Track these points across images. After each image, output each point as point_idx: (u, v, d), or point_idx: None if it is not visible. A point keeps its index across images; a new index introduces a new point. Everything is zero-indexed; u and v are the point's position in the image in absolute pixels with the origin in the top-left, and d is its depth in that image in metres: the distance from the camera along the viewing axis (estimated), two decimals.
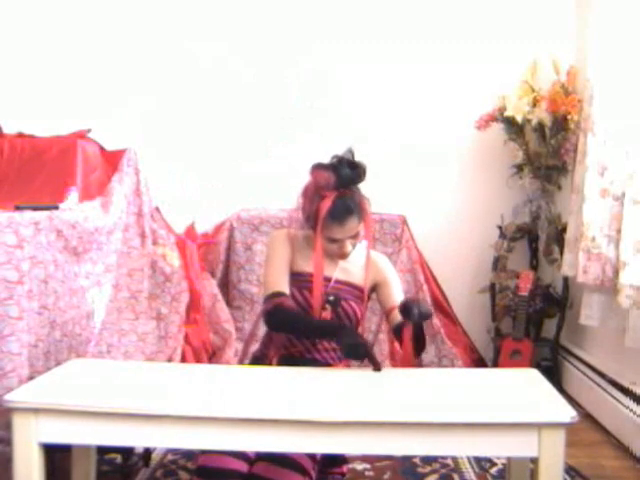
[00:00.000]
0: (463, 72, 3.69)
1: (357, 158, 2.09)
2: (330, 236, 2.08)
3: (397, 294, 2.16)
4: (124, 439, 1.75)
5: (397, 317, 2.06)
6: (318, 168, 2.06)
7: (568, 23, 3.62)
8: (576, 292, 3.37)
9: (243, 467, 1.84)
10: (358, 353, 1.96)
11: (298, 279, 2.14)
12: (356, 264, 2.18)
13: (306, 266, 2.14)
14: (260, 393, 1.82)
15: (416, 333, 2.00)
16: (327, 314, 2.11)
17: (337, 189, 2.05)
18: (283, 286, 2.10)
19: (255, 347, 2.32)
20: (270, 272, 2.14)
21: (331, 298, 2.12)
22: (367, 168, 2.09)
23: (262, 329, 2.28)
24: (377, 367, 1.97)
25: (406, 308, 1.94)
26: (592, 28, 3.02)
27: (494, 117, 3.52)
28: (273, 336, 2.17)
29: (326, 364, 2.12)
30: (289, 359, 2.11)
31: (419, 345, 2.05)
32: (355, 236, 2.10)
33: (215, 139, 3.74)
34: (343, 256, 2.14)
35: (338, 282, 2.16)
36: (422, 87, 3.72)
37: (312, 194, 2.08)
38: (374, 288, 2.21)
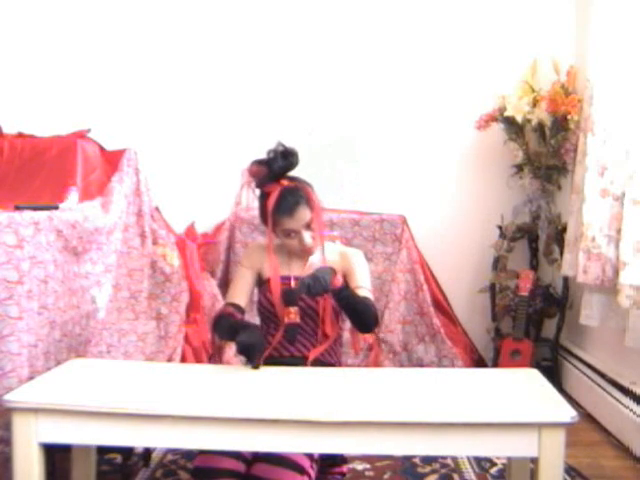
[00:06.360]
0: (463, 72, 3.70)
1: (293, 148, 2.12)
2: (283, 228, 2.09)
3: (360, 280, 2.15)
4: (124, 439, 1.75)
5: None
6: (251, 164, 2.13)
7: (568, 23, 3.63)
8: (576, 292, 3.37)
9: (240, 467, 1.84)
10: (247, 352, 1.98)
11: (265, 285, 2.17)
12: (327, 261, 2.15)
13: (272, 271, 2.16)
14: (259, 393, 1.81)
15: (346, 309, 2.04)
16: (292, 312, 2.11)
17: (273, 181, 2.10)
18: (235, 298, 2.16)
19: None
20: (229, 288, 2.24)
21: (286, 292, 2.11)
22: (299, 155, 2.11)
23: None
24: (254, 366, 1.98)
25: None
26: (592, 28, 3.02)
27: (494, 117, 3.52)
28: None
29: (304, 357, 2.11)
30: (270, 361, 2.09)
31: (356, 320, 2.07)
32: (310, 226, 2.10)
33: (215, 139, 3.74)
34: (307, 251, 2.13)
35: None
36: (422, 87, 3.73)
37: (259, 195, 2.14)
38: (345, 279, 2.17)
